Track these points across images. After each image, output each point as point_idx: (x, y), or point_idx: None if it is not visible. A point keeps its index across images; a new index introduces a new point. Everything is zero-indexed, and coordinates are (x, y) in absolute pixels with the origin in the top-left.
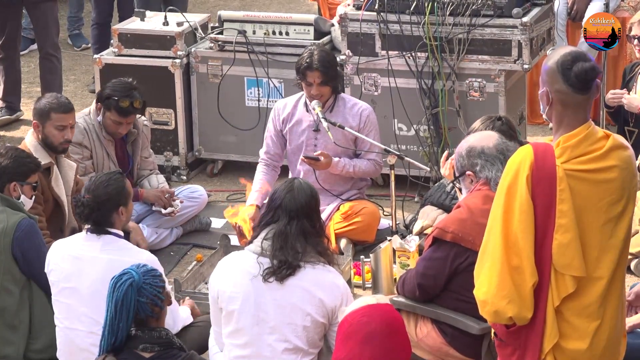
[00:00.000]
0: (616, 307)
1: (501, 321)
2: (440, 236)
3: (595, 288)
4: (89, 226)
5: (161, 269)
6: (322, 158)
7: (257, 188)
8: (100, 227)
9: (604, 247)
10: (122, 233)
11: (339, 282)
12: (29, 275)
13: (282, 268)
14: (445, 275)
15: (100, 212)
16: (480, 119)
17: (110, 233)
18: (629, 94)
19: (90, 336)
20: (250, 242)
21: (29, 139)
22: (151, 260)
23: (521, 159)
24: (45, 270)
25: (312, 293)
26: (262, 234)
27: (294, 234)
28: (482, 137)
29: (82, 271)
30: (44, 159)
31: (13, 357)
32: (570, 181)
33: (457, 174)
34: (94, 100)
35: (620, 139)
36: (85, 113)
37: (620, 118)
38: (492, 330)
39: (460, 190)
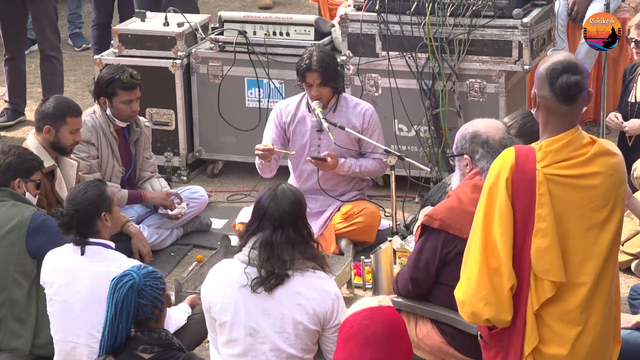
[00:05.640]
0: (601, 314)
1: (479, 322)
2: (428, 223)
3: (577, 294)
4: (74, 237)
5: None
6: (329, 159)
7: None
8: (84, 236)
9: (587, 253)
10: (110, 243)
11: (329, 288)
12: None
13: (269, 278)
14: (435, 264)
15: (82, 219)
16: (519, 111)
17: (96, 244)
18: (625, 120)
19: (85, 348)
20: (239, 250)
21: (31, 141)
22: None
23: (503, 161)
24: (41, 282)
25: (302, 301)
26: (250, 243)
27: (280, 243)
28: (490, 126)
29: (72, 285)
30: (47, 161)
31: (22, 350)
32: (550, 186)
33: (453, 153)
34: (95, 100)
35: (609, 144)
36: (90, 112)
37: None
38: (478, 332)
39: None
